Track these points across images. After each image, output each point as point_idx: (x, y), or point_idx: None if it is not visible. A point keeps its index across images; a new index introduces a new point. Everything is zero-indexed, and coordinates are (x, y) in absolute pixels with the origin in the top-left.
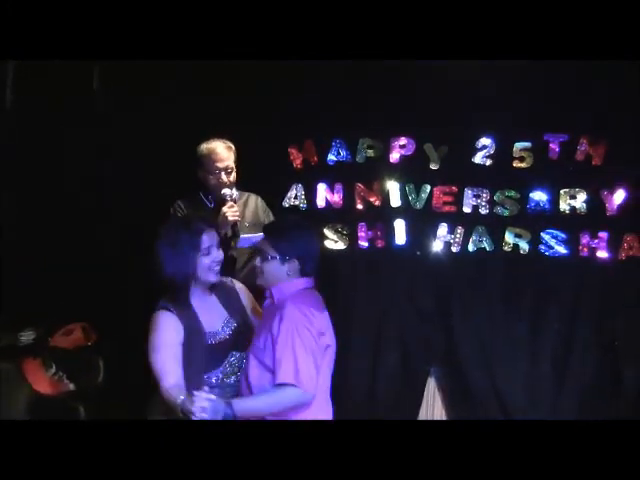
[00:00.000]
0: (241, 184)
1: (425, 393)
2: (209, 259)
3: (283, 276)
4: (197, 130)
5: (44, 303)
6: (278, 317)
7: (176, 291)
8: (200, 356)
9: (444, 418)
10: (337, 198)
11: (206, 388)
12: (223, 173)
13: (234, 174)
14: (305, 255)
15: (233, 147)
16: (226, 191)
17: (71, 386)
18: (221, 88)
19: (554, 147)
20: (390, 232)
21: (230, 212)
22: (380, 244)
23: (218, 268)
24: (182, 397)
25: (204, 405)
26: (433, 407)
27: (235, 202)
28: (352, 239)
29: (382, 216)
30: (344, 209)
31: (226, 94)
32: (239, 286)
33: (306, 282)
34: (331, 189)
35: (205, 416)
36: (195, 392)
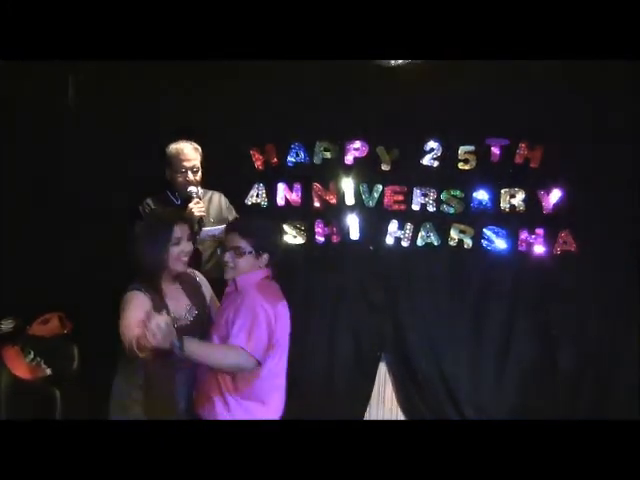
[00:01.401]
0: (207, 183)
1: (377, 378)
2: (178, 249)
3: (256, 268)
4: (166, 132)
5: (23, 294)
6: (240, 298)
7: (148, 277)
8: None
9: (394, 400)
10: (296, 197)
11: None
12: (190, 172)
13: (200, 173)
14: (275, 250)
15: (200, 149)
16: (192, 189)
17: (48, 371)
18: (189, 91)
19: (495, 150)
20: (345, 228)
21: (196, 208)
22: (335, 239)
23: (186, 259)
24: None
25: (160, 323)
26: (384, 391)
27: (200, 199)
28: (310, 235)
29: (337, 213)
30: (302, 207)
31: (194, 98)
32: (200, 277)
33: (267, 271)
34: (290, 188)
35: (157, 335)
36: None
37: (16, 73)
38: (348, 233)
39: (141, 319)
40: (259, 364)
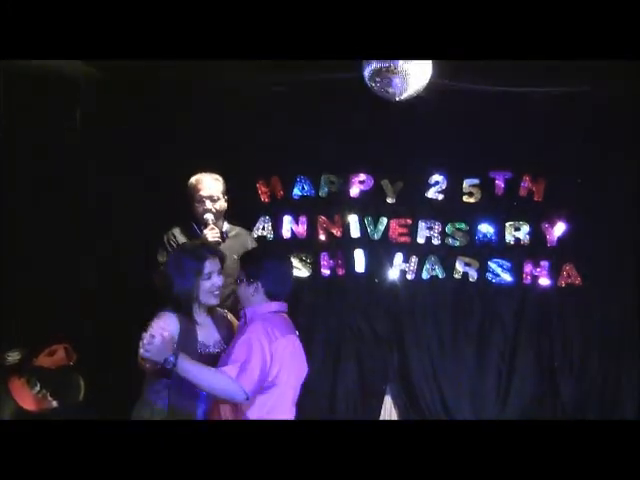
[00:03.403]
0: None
1: (382, 410)
2: (210, 283)
3: (248, 296)
4: (182, 164)
5: (29, 325)
6: (244, 332)
7: (180, 308)
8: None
9: None
10: (301, 229)
11: None
12: (208, 201)
13: (221, 203)
14: (269, 278)
15: (220, 179)
16: (208, 216)
17: (54, 403)
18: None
19: (499, 183)
20: (350, 261)
21: (211, 234)
22: (341, 272)
23: (218, 292)
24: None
25: (155, 336)
26: None
27: (216, 226)
28: (315, 267)
29: (342, 246)
30: (308, 239)
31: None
32: (231, 317)
33: (277, 306)
34: (296, 221)
35: (148, 348)
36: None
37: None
38: (353, 266)
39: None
40: (247, 398)
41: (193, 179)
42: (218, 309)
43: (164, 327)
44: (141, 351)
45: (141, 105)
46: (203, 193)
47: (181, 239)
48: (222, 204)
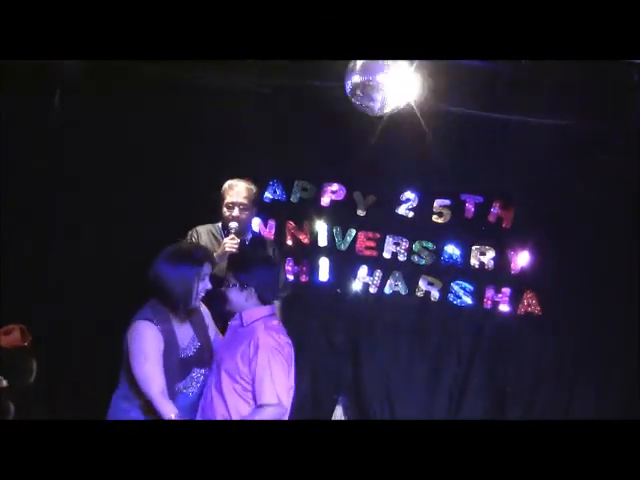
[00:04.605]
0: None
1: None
2: (202, 286)
3: (242, 302)
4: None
5: None
6: (254, 344)
7: (176, 309)
8: (175, 367)
9: None
10: (269, 233)
11: None
12: (236, 208)
13: (247, 213)
14: (262, 284)
15: (254, 189)
16: (232, 224)
17: (4, 383)
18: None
19: (470, 207)
20: (314, 269)
21: (229, 244)
22: (304, 279)
23: (203, 295)
24: (173, 416)
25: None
26: None
27: (238, 237)
28: None
29: (308, 253)
30: (274, 243)
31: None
32: (204, 308)
33: (270, 309)
34: (265, 224)
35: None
36: None
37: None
38: (317, 274)
39: (160, 367)
40: (287, 408)
41: (227, 182)
42: None
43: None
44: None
45: (118, 103)
46: (231, 199)
47: (204, 238)
48: (247, 214)
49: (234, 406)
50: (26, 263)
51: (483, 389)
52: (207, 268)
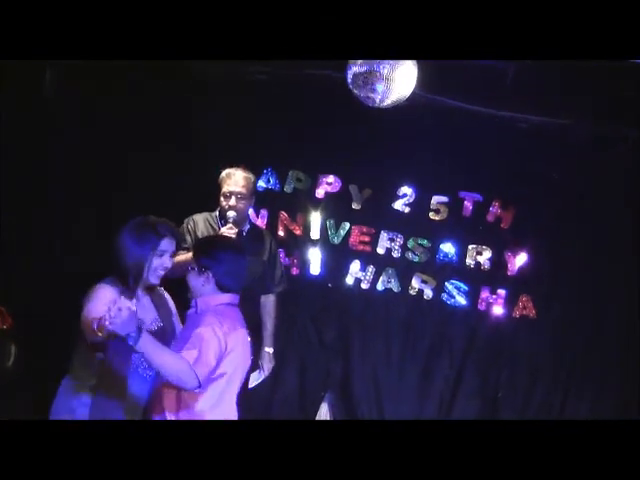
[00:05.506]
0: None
1: (317, 417)
2: (159, 262)
3: (199, 286)
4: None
5: None
6: (198, 322)
7: (126, 280)
8: None
9: None
10: (261, 223)
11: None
12: (233, 197)
13: (245, 202)
14: (220, 270)
15: (252, 178)
16: (230, 214)
17: None
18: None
19: (468, 205)
20: (306, 262)
21: (226, 233)
22: (295, 271)
23: (162, 273)
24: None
25: (123, 308)
26: None
27: (236, 226)
28: None
29: (300, 246)
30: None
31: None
32: (167, 295)
33: (230, 298)
34: (257, 213)
35: (117, 319)
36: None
37: None
38: (308, 267)
39: (105, 304)
40: (199, 386)
41: (225, 171)
42: (157, 287)
43: (127, 301)
44: (105, 323)
45: (114, 96)
46: (229, 188)
47: (200, 226)
48: (245, 203)
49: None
50: (7, 244)
51: (474, 393)
52: (167, 244)
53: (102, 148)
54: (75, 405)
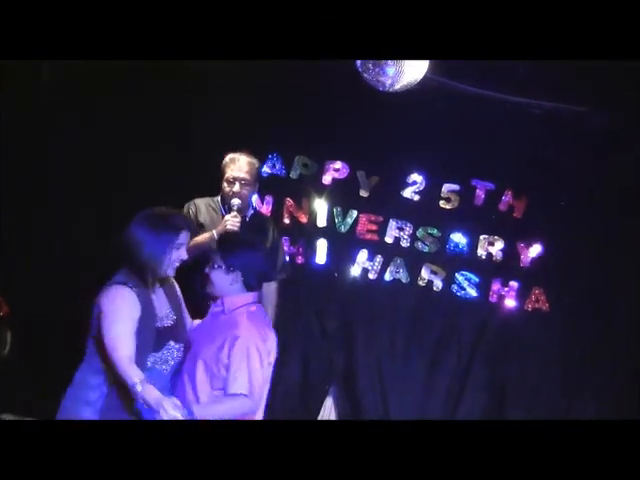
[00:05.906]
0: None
1: (321, 412)
2: (176, 255)
3: (226, 285)
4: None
5: None
6: (235, 333)
7: (141, 271)
8: (150, 336)
9: None
10: (265, 210)
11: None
12: (237, 183)
13: (249, 188)
14: (249, 269)
15: (256, 163)
16: (234, 201)
17: None
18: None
19: (480, 194)
20: (311, 250)
21: (231, 221)
22: (300, 260)
23: (177, 265)
24: (138, 381)
25: (176, 415)
26: None
27: (240, 214)
28: None
29: (306, 234)
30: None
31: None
32: (177, 285)
33: (254, 296)
34: (262, 200)
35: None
36: (165, 399)
37: None
38: (314, 256)
39: (131, 332)
40: (256, 406)
41: (228, 156)
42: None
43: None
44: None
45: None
46: (233, 174)
47: (202, 211)
48: (249, 189)
49: (203, 392)
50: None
51: (482, 388)
52: (184, 237)
53: (102, 148)
54: (90, 396)
